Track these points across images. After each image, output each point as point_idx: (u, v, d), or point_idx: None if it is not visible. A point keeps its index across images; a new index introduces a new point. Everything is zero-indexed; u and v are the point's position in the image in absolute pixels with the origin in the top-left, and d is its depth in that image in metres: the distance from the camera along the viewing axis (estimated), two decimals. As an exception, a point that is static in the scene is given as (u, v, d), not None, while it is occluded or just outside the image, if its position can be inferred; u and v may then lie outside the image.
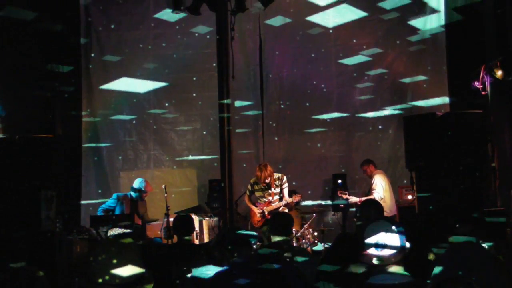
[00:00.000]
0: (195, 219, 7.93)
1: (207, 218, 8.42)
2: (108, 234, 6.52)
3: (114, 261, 2.12)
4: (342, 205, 8.40)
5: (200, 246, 5.70)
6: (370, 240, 2.64)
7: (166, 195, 7.87)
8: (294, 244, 7.15)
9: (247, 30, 9.81)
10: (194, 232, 7.46)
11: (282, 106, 9.90)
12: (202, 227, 8.22)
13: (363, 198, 8.09)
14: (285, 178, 7.87)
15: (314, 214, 8.40)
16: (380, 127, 9.58)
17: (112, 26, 9.82)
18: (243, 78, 9.79)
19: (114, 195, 8.02)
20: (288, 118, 9.87)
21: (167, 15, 9.14)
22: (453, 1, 8.47)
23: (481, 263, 3.20)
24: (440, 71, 8.99)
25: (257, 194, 7.94)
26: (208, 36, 9.70)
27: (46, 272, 3.37)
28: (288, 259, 3.47)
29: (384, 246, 2.62)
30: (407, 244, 2.67)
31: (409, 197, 8.29)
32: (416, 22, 9.20)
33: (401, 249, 2.65)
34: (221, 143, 9.42)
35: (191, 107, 10.01)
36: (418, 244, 3.39)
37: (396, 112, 9.29)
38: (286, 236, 4.05)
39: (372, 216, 4.13)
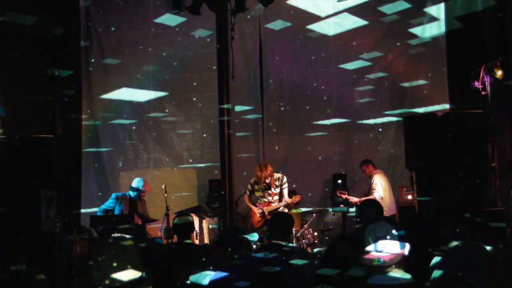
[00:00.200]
0: (195, 219, 7.93)
1: (207, 218, 8.42)
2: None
3: (114, 264, 2.12)
4: (342, 205, 8.41)
5: (200, 247, 5.70)
6: (369, 241, 2.64)
7: (166, 195, 7.88)
8: (294, 244, 7.15)
9: (247, 30, 9.81)
10: (194, 232, 7.46)
11: (282, 107, 9.90)
12: (202, 227, 8.22)
13: (363, 199, 8.09)
14: (285, 179, 7.88)
15: (314, 214, 8.40)
16: (380, 129, 9.58)
17: (112, 29, 9.83)
18: (243, 79, 9.79)
19: (113, 195, 8.03)
20: (288, 119, 9.87)
21: (167, 19, 9.17)
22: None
23: (481, 264, 3.20)
24: (440, 74, 8.99)
25: (257, 194, 7.94)
26: (208, 40, 9.71)
27: (46, 272, 3.36)
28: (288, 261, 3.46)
29: (383, 248, 2.61)
30: (407, 246, 2.66)
31: (409, 197, 8.29)
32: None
33: (401, 251, 2.64)
34: (221, 146, 9.41)
35: (191, 107, 10.01)
36: (418, 244, 3.39)
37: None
38: (285, 239, 4.05)
39: (371, 216, 4.12)
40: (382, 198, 7.95)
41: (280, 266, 2.77)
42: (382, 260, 2.61)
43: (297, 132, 9.83)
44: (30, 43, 8.17)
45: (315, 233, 7.91)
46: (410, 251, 2.68)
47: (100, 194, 9.47)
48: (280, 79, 9.90)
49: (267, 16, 9.51)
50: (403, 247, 2.65)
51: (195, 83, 9.96)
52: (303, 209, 8.43)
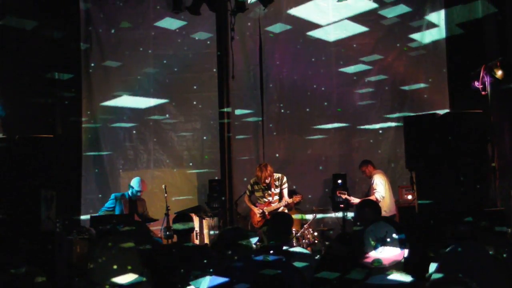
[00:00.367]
0: (195, 219, 7.93)
1: (207, 218, 8.42)
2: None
3: (115, 267, 2.11)
4: (342, 205, 8.41)
5: (199, 248, 5.69)
6: (369, 242, 2.64)
7: (166, 195, 7.87)
8: (294, 244, 7.15)
9: (247, 30, 9.80)
10: (194, 232, 7.46)
11: (282, 107, 9.89)
12: (202, 227, 8.22)
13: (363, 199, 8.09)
14: (285, 179, 7.88)
15: (314, 214, 8.40)
16: (380, 131, 9.58)
17: (113, 31, 9.83)
18: (243, 78, 9.79)
19: (112, 196, 8.03)
20: (288, 119, 9.87)
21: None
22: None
23: (481, 264, 3.20)
24: (440, 78, 8.98)
25: (257, 194, 7.94)
26: (208, 42, 9.72)
27: (46, 272, 3.36)
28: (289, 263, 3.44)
29: (383, 249, 2.61)
30: (407, 248, 2.66)
31: (409, 197, 8.29)
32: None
33: (400, 252, 2.64)
34: (221, 148, 9.42)
35: (191, 107, 10.01)
36: (418, 244, 3.39)
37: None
38: (284, 240, 4.04)
39: (370, 217, 4.11)
40: (383, 197, 7.95)
41: (281, 268, 2.76)
42: (382, 261, 2.61)
43: (297, 132, 9.82)
44: (30, 46, 8.17)
45: (315, 233, 7.91)
46: (410, 252, 2.68)
47: (100, 196, 9.46)
48: (280, 79, 9.89)
49: (267, 18, 9.52)
50: (403, 249, 2.65)
51: (195, 83, 9.95)
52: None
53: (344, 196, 8.35)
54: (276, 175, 7.87)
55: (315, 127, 9.67)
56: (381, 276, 2.60)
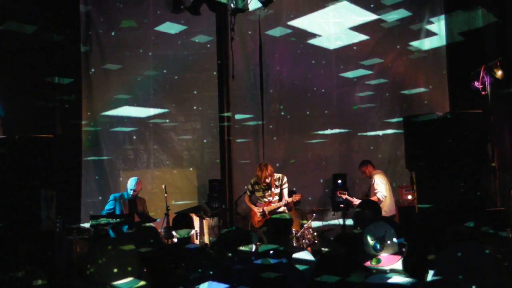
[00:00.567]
0: (195, 219, 7.93)
1: (207, 218, 8.42)
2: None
3: (115, 270, 2.11)
4: (342, 205, 8.41)
5: (199, 249, 5.69)
6: (369, 241, 2.64)
7: (166, 195, 7.87)
8: (294, 244, 7.16)
9: (247, 31, 9.81)
10: (194, 232, 7.46)
11: (282, 108, 9.89)
12: (202, 227, 8.22)
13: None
14: (285, 179, 7.87)
15: (314, 214, 8.41)
16: (380, 133, 9.58)
17: (113, 34, 9.84)
18: (243, 78, 9.79)
19: (111, 196, 8.02)
20: (287, 119, 9.87)
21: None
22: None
23: (481, 264, 3.20)
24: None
25: (258, 194, 7.94)
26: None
27: (46, 272, 3.36)
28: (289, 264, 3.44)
29: (383, 249, 2.61)
30: (406, 247, 2.67)
31: (409, 197, 8.29)
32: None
33: (400, 252, 2.65)
34: (221, 151, 9.41)
35: (191, 107, 10.01)
36: (418, 245, 3.39)
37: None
38: (284, 242, 4.03)
39: (369, 218, 4.11)
40: (385, 197, 7.94)
41: (281, 270, 2.75)
42: (381, 260, 2.62)
43: (297, 133, 9.83)
44: (31, 50, 8.19)
45: (315, 233, 7.91)
46: (410, 252, 2.68)
47: (100, 198, 9.46)
48: (280, 79, 9.90)
49: (267, 20, 9.53)
50: (402, 250, 2.65)
51: (195, 84, 9.96)
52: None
53: (344, 196, 8.36)
54: (277, 175, 7.87)
55: (315, 132, 9.68)
56: (379, 276, 2.61)
